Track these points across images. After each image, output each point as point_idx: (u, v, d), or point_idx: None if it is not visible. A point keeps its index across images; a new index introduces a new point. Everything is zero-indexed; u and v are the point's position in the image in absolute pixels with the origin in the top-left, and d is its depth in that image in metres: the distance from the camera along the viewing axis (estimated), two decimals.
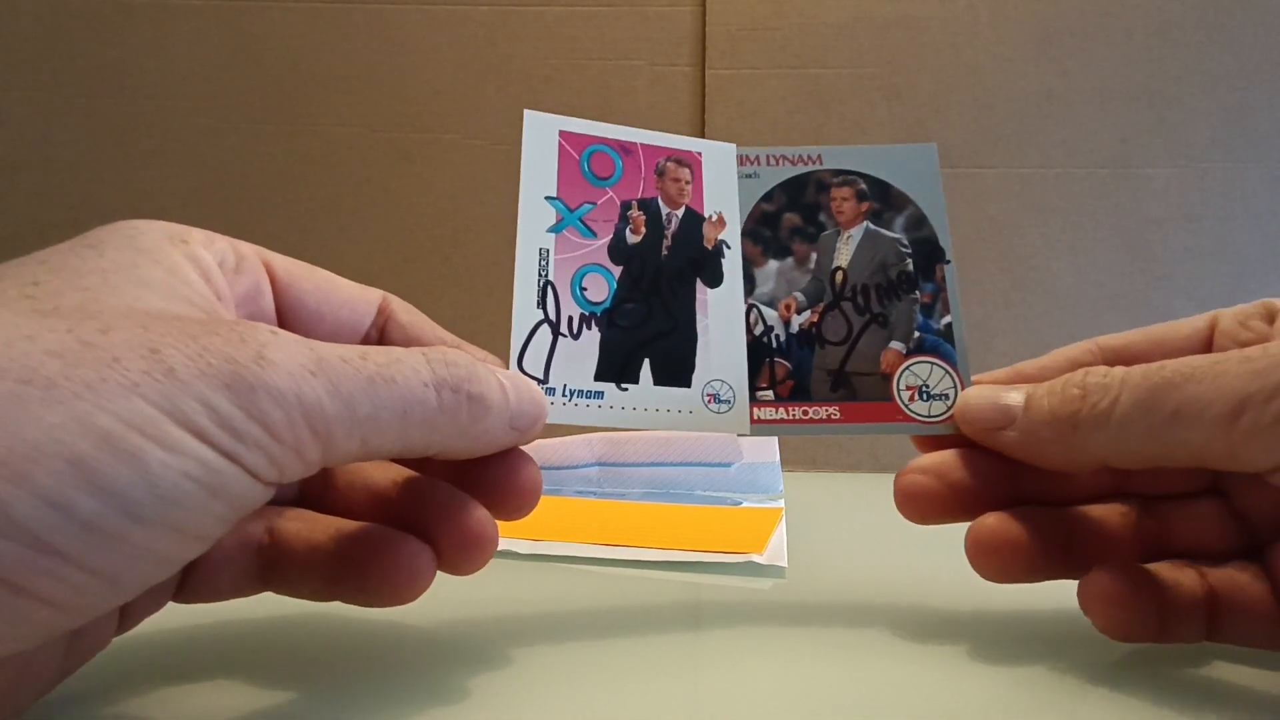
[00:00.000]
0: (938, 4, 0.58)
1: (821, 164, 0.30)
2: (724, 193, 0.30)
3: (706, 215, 0.30)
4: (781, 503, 0.44)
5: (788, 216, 0.30)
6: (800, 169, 0.30)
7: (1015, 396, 0.25)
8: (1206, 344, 0.26)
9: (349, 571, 0.23)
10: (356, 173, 0.59)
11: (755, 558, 0.35)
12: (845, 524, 0.44)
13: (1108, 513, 0.27)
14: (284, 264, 0.24)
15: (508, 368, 0.26)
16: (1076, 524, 0.26)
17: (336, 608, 0.24)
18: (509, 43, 0.59)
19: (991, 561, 0.25)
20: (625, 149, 0.30)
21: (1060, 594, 0.26)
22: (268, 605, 0.25)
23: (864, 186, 0.30)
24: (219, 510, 0.17)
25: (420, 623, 0.28)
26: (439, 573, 0.23)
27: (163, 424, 0.16)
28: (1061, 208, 0.58)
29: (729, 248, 0.29)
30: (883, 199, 0.30)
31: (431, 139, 0.59)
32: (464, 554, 0.23)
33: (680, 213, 0.30)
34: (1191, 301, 0.57)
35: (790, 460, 0.53)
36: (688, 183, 0.30)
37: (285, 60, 0.59)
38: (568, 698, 0.23)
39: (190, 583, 0.23)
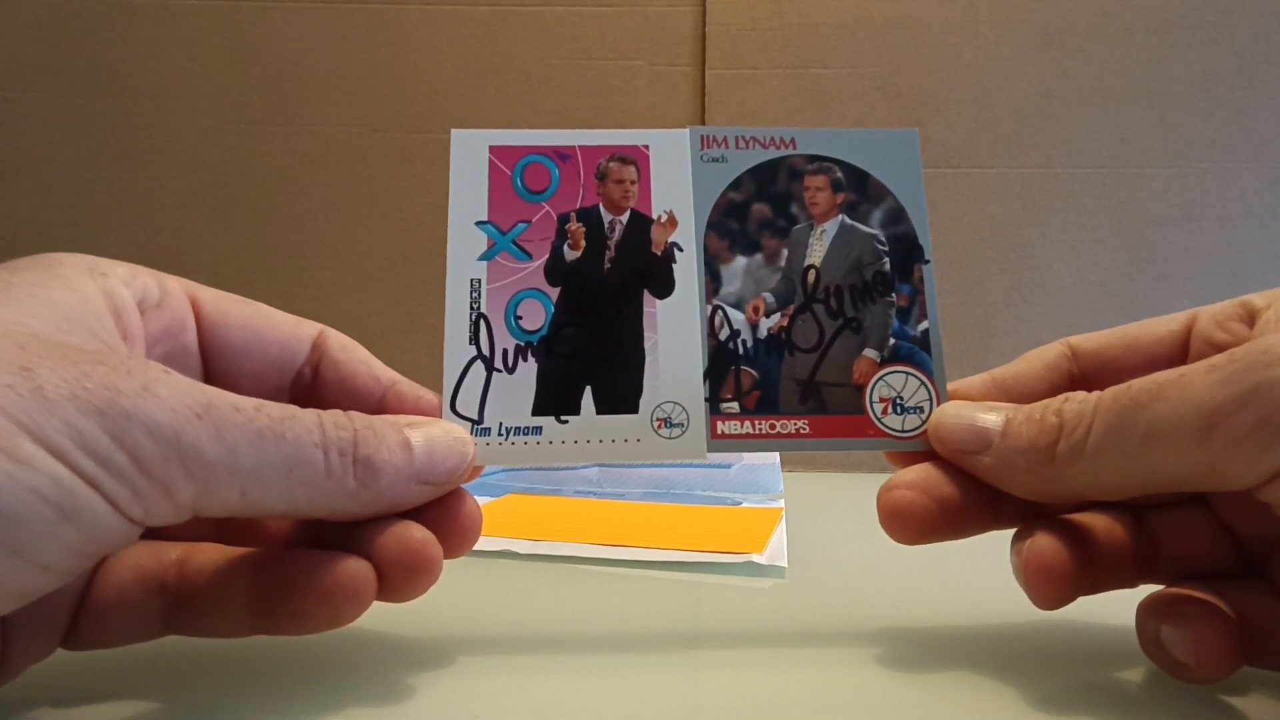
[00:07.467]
0: (938, 4, 0.58)
1: (795, 148, 0.28)
2: (676, 188, 0.27)
3: (655, 216, 0.27)
4: (781, 503, 0.44)
5: (757, 207, 0.27)
6: (772, 153, 0.28)
7: (993, 419, 0.24)
8: (1182, 346, 0.25)
9: (278, 595, 0.21)
10: (356, 173, 0.59)
11: (755, 558, 0.35)
12: (845, 524, 0.44)
13: (1107, 524, 0.25)
14: (213, 299, 0.24)
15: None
16: (1090, 538, 0.25)
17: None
18: (509, 43, 0.59)
19: (1054, 587, 0.23)
20: (562, 155, 0.27)
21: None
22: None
23: (840, 175, 0.28)
24: (70, 538, 0.17)
25: (419, 621, 0.28)
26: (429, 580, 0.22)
27: (15, 436, 0.16)
28: (1061, 208, 0.58)
29: (681, 250, 0.27)
30: (859, 190, 0.28)
31: (431, 139, 0.59)
32: (405, 574, 0.22)
33: (625, 218, 0.27)
34: (1191, 301, 0.56)
35: (790, 460, 0.53)
36: (633, 183, 0.27)
37: (285, 60, 0.59)
38: (567, 698, 0.23)
39: (81, 626, 0.22)
